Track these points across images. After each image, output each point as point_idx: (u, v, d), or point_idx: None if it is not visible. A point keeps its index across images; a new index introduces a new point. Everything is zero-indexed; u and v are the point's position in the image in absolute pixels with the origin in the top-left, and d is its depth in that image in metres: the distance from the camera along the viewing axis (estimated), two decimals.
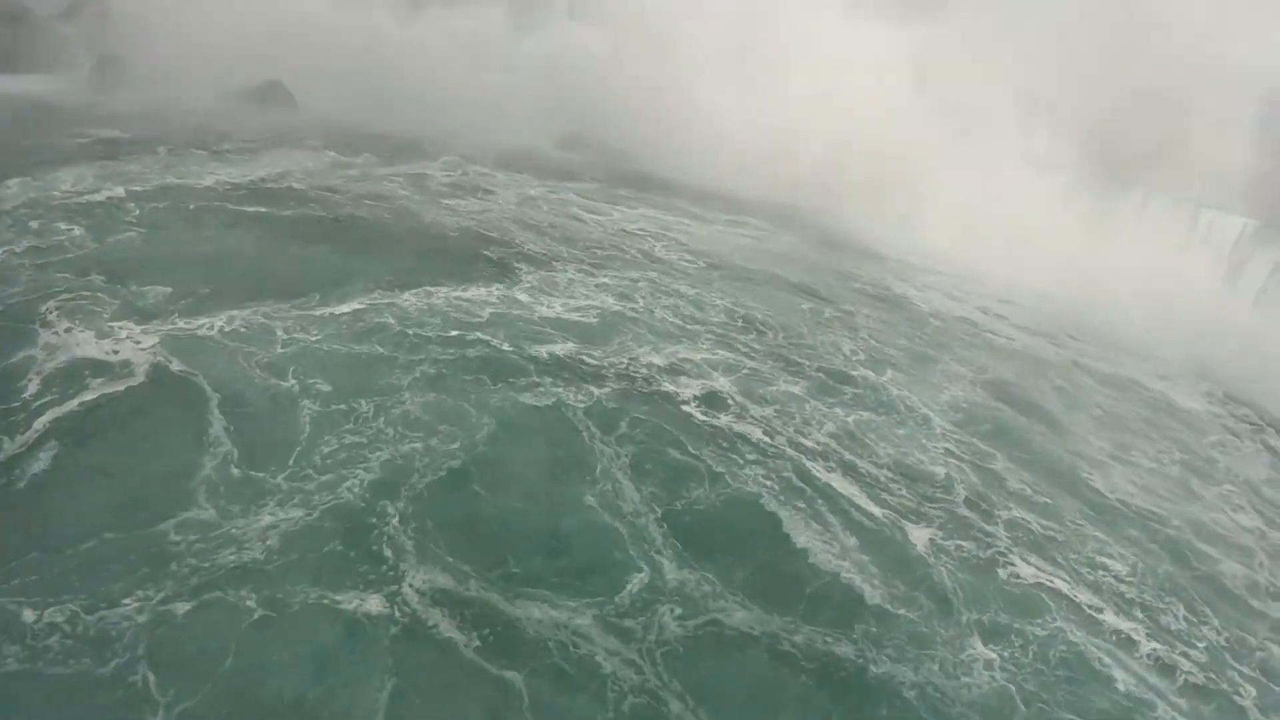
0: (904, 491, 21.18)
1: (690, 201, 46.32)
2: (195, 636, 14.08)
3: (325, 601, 15.20)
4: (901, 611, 17.34)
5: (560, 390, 21.84)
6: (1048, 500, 22.75)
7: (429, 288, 26.57)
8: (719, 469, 20.08)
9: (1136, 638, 18.54)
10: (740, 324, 29.14)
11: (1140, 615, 19.27)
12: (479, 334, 24.02)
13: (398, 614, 15.21)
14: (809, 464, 21.03)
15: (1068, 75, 51.59)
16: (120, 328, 21.94)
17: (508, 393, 21.43)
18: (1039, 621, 18.13)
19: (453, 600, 15.65)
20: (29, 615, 13.81)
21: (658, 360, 24.79)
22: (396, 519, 17.04)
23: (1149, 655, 18.11)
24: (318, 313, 23.78)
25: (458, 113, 53.42)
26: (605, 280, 30.34)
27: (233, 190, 33.62)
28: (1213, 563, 22.30)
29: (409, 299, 25.45)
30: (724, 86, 55.21)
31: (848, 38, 54.97)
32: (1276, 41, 47.51)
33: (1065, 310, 41.74)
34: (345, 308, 24.28)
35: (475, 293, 26.89)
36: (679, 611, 16.18)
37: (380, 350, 22.33)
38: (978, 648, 17.04)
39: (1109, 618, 18.88)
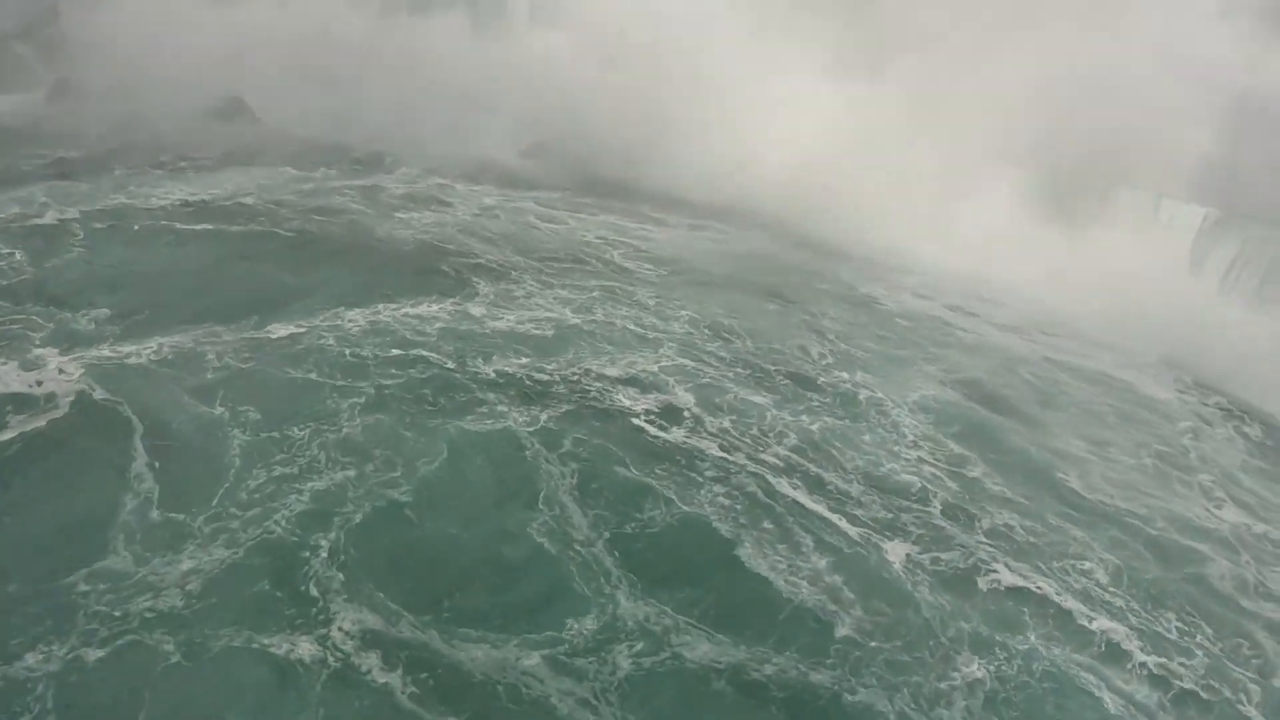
0: (877, 504, 19.52)
1: (654, 208, 44.54)
2: (108, 685, 12.83)
3: (252, 645, 13.80)
4: (879, 635, 15.75)
5: (506, 409, 20.13)
6: (1027, 504, 21.16)
7: (377, 305, 24.84)
8: (674, 490, 18.39)
9: (1128, 647, 17.02)
10: (704, 331, 27.47)
11: (1131, 623, 17.70)
12: (424, 352, 22.32)
13: (330, 657, 13.77)
14: (773, 480, 19.35)
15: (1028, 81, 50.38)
16: (48, 357, 20.43)
17: (450, 415, 19.74)
18: (1026, 636, 16.63)
19: (389, 641, 14.13)
20: None
21: (613, 372, 23.11)
22: (328, 554, 15.46)
23: (1142, 666, 16.59)
24: (256, 335, 22.08)
25: (422, 123, 51.36)
26: (563, 291, 28.61)
27: (182, 209, 31.90)
28: (1199, 562, 20.72)
29: (354, 317, 23.71)
30: (686, 94, 53.59)
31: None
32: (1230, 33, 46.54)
33: (1033, 305, 40.27)
34: (284, 329, 22.54)
35: (425, 309, 25.13)
36: (637, 647, 14.51)
37: (318, 373, 20.61)
38: (962, 670, 15.48)
39: (1099, 627, 17.35)
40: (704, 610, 15.41)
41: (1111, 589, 18.58)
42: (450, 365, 21.70)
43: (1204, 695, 16.26)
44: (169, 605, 14.15)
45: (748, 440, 20.93)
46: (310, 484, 16.85)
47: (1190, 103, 46.03)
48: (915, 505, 19.82)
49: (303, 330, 22.50)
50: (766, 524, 17.88)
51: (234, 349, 21.13)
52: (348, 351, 21.57)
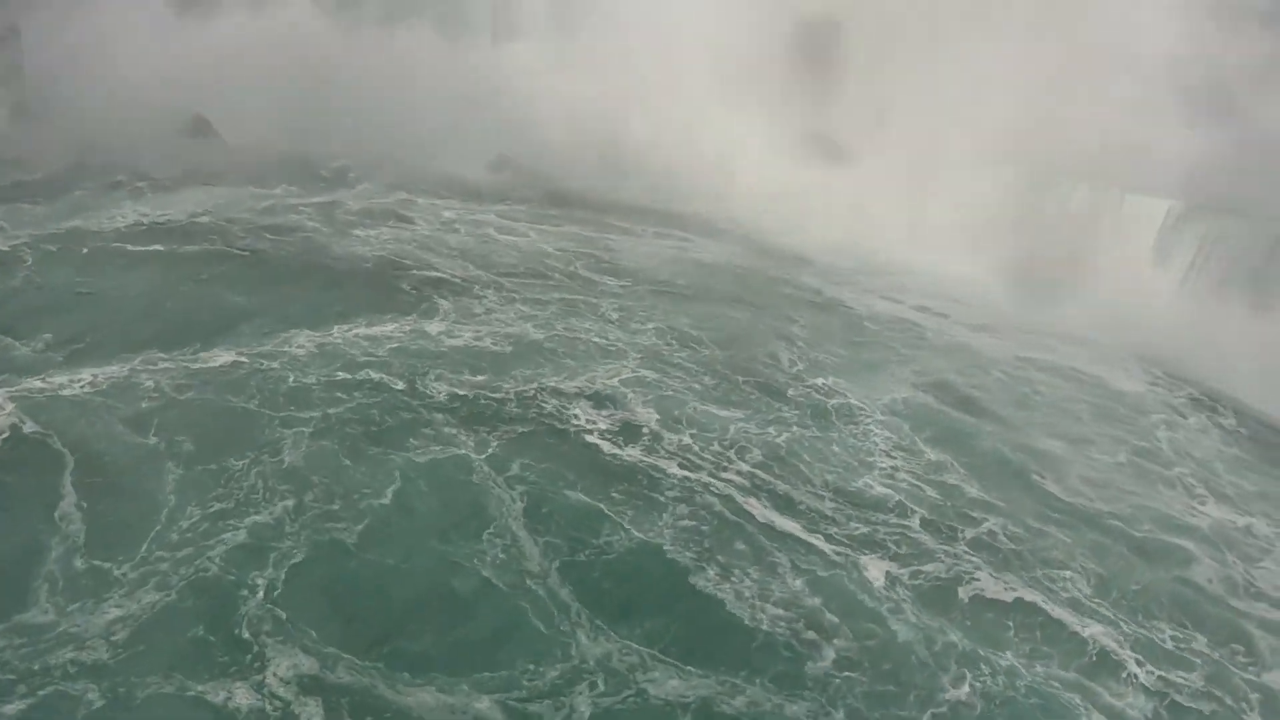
0: (853, 519, 18.23)
1: (619, 218, 43.22)
2: None
3: (185, 693, 12.55)
4: (859, 660, 14.49)
5: (455, 432, 18.72)
6: (1007, 510, 19.93)
7: (328, 326, 23.36)
8: (632, 512, 17.05)
9: (1121, 657, 15.84)
10: (670, 342, 26.15)
11: (1123, 632, 16.49)
12: (374, 374, 20.86)
13: (268, 706, 12.50)
14: (740, 498, 18.00)
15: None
16: None
17: (397, 440, 18.33)
18: (1013, 652, 15.42)
19: (330, 687, 12.82)
20: None
21: (571, 388, 21.76)
22: (264, 593, 14.09)
23: (1138, 678, 15.43)
24: (198, 361, 20.60)
25: (389, 138, 49.72)
26: (524, 306, 27.17)
27: (134, 230, 30.34)
28: (1185, 563, 19.57)
29: (303, 340, 22.21)
30: (651, 103, 52.44)
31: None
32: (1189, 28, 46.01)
33: (1002, 303, 39.28)
34: (229, 354, 21.06)
35: (379, 329, 23.65)
36: (598, 686, 13.18)
37: (260, 400, 19.15)
38: (949, 691, 14.25)
39: (1090, 636, 16.18)
40: (669, 642, 14.08)
41: (1099, 598, 17.38)
42: (400, 387, 20.25)
43: (1205, 706, 15.10)
44: (93, 657, 12.85)
45: (709, 456, 19.56)
46: (247, 518, 15.45)
47: (1150, 98, 45.59)
48: (893, 518, 18.52)
49: (248, 355, 21.01)
50: (737, 545, 16.57)
51: (174, 377, 19.64)
52: (292, 376, 20.08)
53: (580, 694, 12.93)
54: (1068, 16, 48.97)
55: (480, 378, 21.34)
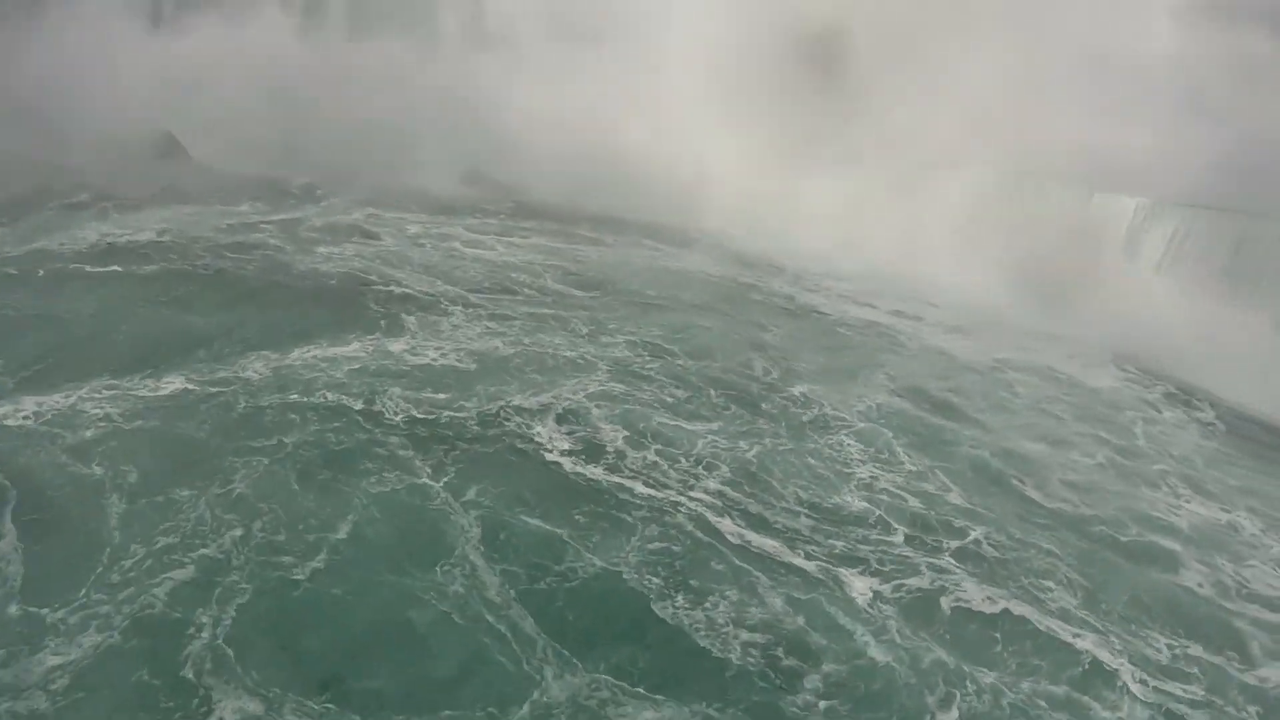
0: (833, 535, 17.29)
1: (590, 228, 42.33)
2: None
3: None
4: (844, 684, 13.56)
5: (413, 456, 17.63)
6: (991, 519, 19.08)
7: (287, 347, 22.18)
8: (598, 535, 16.02)
9: (1113, 667, 15.00)
10: (641, 354, 25.24)
11: (1115, 645, 15.62)
12: (331, 396, 19.73)
13: None
14: (713, 518, 17.03)
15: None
16: None
17: (350, 466, 17.21)
18: (1002, 670, 14.52)
19: None
20: None
21: (536, 404, 20.74)
22: (212, 632, 12.97)
23: (1135, 692, 14.57)
24: (149, 387, 19.40)
25: (359, 153, 48.55)
26: (491, 323, 26.13)
27: (95, 251, 29.09)
28: (1174, 567, 18.83)
29: (259, 362, 21.07)
30: (626, 112, 51.68)
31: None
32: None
33: (973, 304, 38.64)
34: (181, 379, 19.87)
35: (339, 349, 22.50)
36: None
37: (211, 427, 17.99)
38: (936, 716, 13.32)
39: (1082, 650, 15.33)
40: (641, 673, 13.09)
41: (1087, 607, 16.55)
42: (358, 409, 19.14)
43: (1204, 717, 14.30)
44: (30, 707, 11.78)
45: (676, 475, 18.55)
46: (194, 552, 14.37)
47: (1119, 99, 45.50)
48: (874, 534, 17.59)
49: (201, 380, 19.87)
50: (712, 565, 15.62)
51: (123, 404, 18.47)
52: (245, 401, 18.96)
53: None
54: (1038, 19, 48.94)
55: (443, 396, 20.30)
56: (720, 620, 14.31)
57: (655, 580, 15.00)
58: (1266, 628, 17.09)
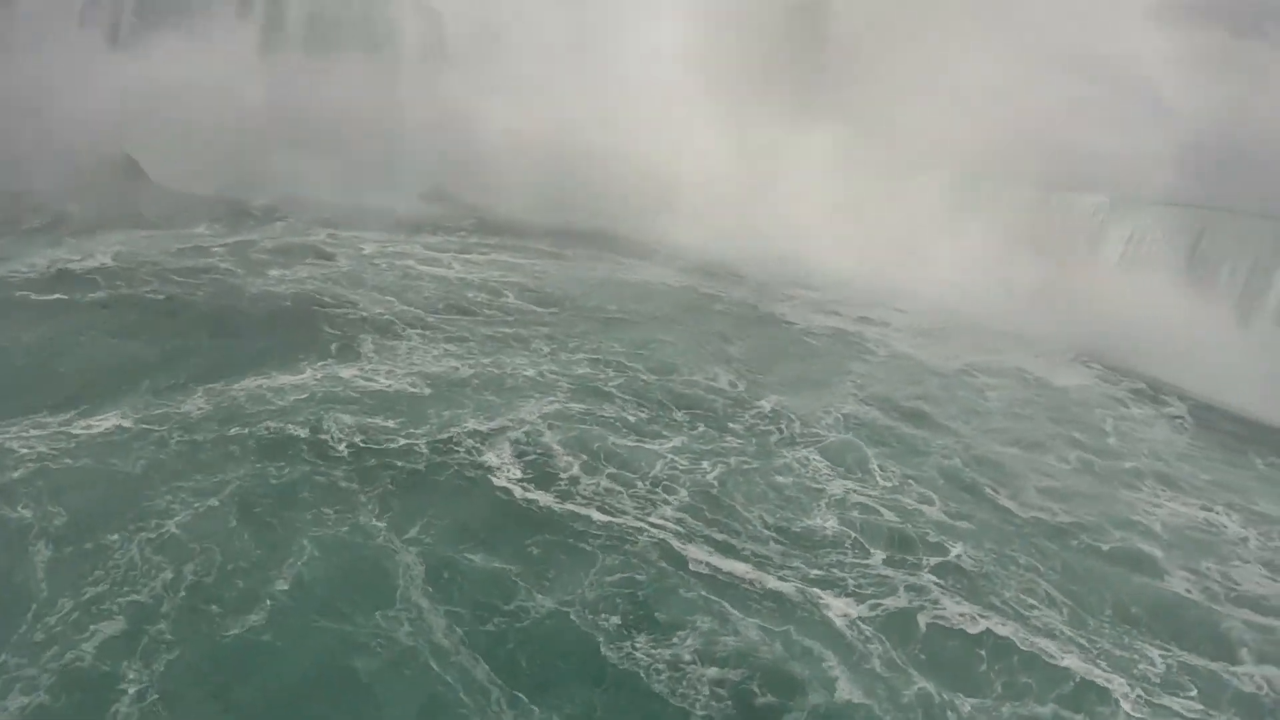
0: (806, 559, 16.19)
1: (551, 244, 41.25)
2: None
3: None
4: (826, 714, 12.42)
5: (356, 490, 16.39)
6: (968, 534, 18.06)
7: (231, 377, 20.85)
8: (552, 570, 14.87)
9: (1105, 684, 13.98)
10: (604, 370, 24.14)
11: (1104, 663, 14.59)
12: (276, 426, 18.43)
13: None
14: (678, 545, 15.88)
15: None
16: None
17: (291, 502, 15.95)
18: (988, 693, 13.45)
19: None
20: None
21: (490, 428, 19.55)
22: (142, 685, 11.71)
23: (1129, 710, 13.51)
24: (84, 423, 17.98)
25: (320, 172, 47.22)
26: (449, 345, 24.89)
27: (43, 278, 27.73)
28: (1159, 572, 17.93)
29: (200, 395, 19.71)
30: (588, 125, 50.58)
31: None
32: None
33: (939, 307, 37.82)
34: (118, 414, 18.48)
35: (287, 378, 21.17)
36: None
37: (147, 464, 16.63)
38: None
39: (1070, 667, 14.34)
40: (606, 712, 11.94)
41: (1073, 621, 15.56)
42: (303, 439, 17.90)
43: None
44: None
45: (637, 498, 17.40)
46: (124, 598, 13.11)
47: (1081, 99, 45.23)
48: (849, 558, 16.47)
49: (139, 414, 18.50)
50: (685, 591, 14.51)
51: (56, 442, 17.11)
52: (180, 436, 17.64)
53: None
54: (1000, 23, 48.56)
55: (392, 424, 19.06)
56: (686, 658, 13.12)
57: (613, 619, 13.79)
58: (1258, 630, 16.22)
